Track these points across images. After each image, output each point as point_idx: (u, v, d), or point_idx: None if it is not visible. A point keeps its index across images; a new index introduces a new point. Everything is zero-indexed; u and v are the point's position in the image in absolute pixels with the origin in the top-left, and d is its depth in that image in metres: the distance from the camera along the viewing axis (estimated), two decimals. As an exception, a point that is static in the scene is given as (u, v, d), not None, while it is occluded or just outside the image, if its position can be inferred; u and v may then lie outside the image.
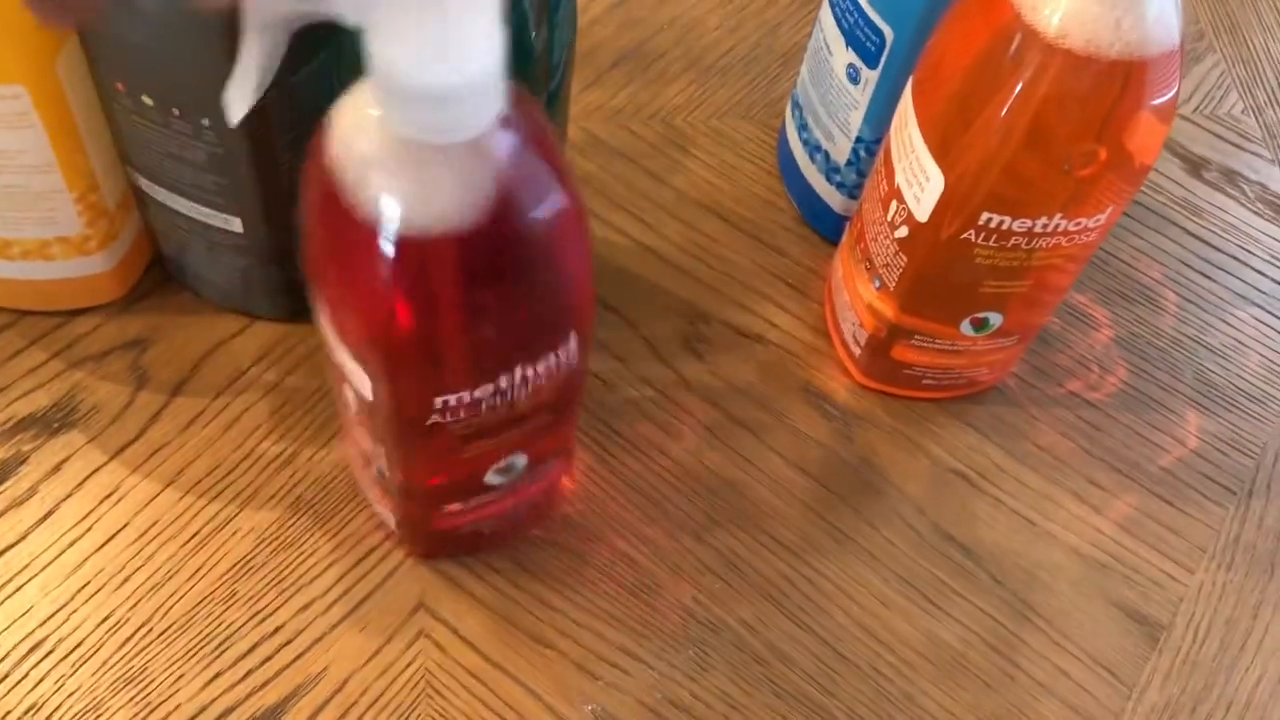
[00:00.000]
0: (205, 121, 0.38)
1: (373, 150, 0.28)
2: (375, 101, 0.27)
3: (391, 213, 0.28)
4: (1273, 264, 0.56)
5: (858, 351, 0.48)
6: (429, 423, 0.34)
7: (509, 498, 0.41)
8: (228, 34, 0.31)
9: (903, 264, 0.43)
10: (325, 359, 0.36)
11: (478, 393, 0.34)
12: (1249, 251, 0.56)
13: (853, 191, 0.50)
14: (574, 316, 0.35)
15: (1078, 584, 0.45)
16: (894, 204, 0.42)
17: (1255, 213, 0.57)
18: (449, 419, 0.34)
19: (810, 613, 0.44)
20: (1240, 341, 0.53)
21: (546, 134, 0.31)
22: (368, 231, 0.28)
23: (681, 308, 0.51)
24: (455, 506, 0.40)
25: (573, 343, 0.35)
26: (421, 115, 0.27)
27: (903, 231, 0.42)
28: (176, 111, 0.38)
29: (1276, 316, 0.54)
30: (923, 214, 0.41)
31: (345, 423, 0.41)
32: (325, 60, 0.39)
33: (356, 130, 0.28)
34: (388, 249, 0.29)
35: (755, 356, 0.50)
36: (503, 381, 0.34)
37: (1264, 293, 0.55)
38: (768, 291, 0.51)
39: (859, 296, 0.47)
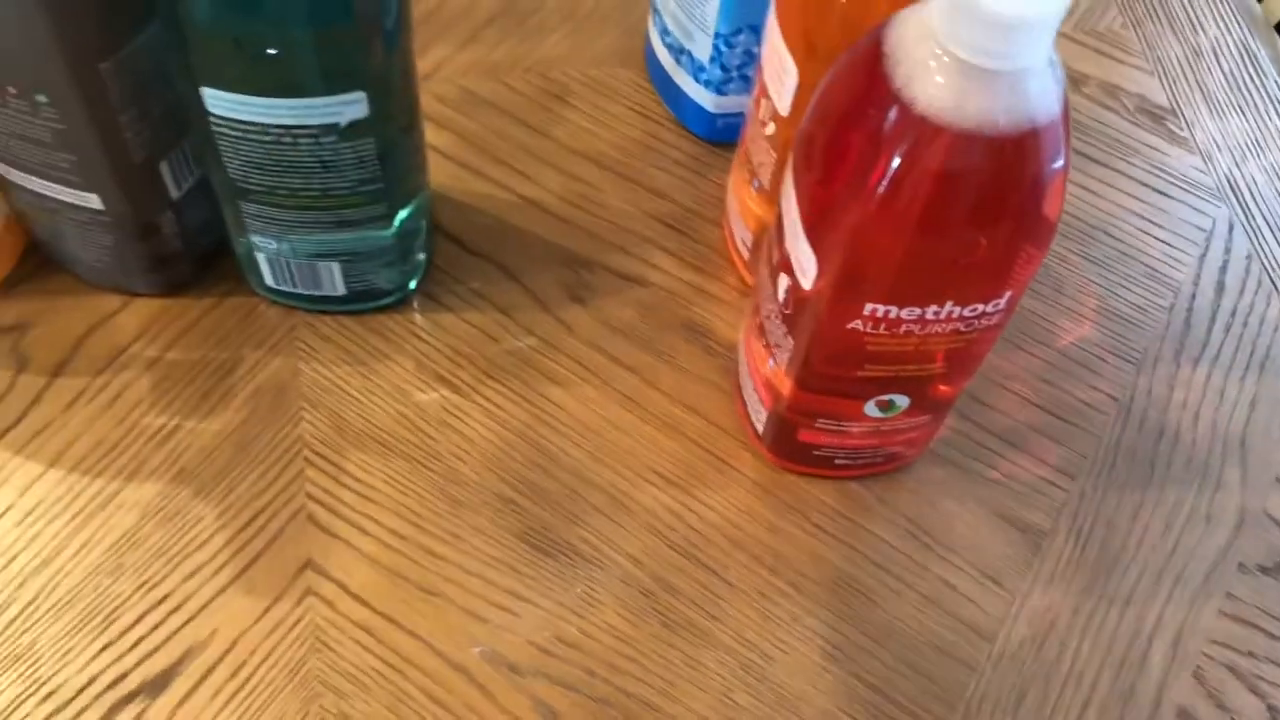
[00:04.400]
0: (41, 98, 0.38)
1: (928, 60, 0.31)
2: (942, 20, 0.31)
3: (932, 114, 0.32)
4: (1153, 174, 0.56)
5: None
6: (849, 325, 0.37)
7: (874, 437, 0.43)
8: (49, 9, 0.32)
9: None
10: (764, 255, 0.41)
11: (904, 313, 0.36)
12: (1130, 163, 0.56)
13: (720, 88, 0.51)
14: (1018, 275, 0.36)
15: (961, 499, 0.46)
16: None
17: (1135, 124, 0.58)
18: (867, 328, 0.37)
19: (696, 544, 0.44)
20: (1123, 252, 0.54)
21: (1067, 101, 0.33)
22: (903, 123, 0.32)
23: (564, 257, 0.51)
24: (827, 424, 0.43)
25: (1004, 301, 0.36)
26: (984, 40, 0.30)
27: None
28: (13, 90, 0.38)
29: (1156, 224, 0.54)
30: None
31: (749, 325, 0.44)
32: (155, 32, 0.39)
33: (917, 40, 0.32)
34: (915, 143, 0.32)
35: (638, 299, 0.50)
36: (930, 311, 0.36)
37: (1145, 202, 0.55)
38: (650, 235, 0.52)
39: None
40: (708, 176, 0.54)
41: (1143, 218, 0.55)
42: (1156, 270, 0.53)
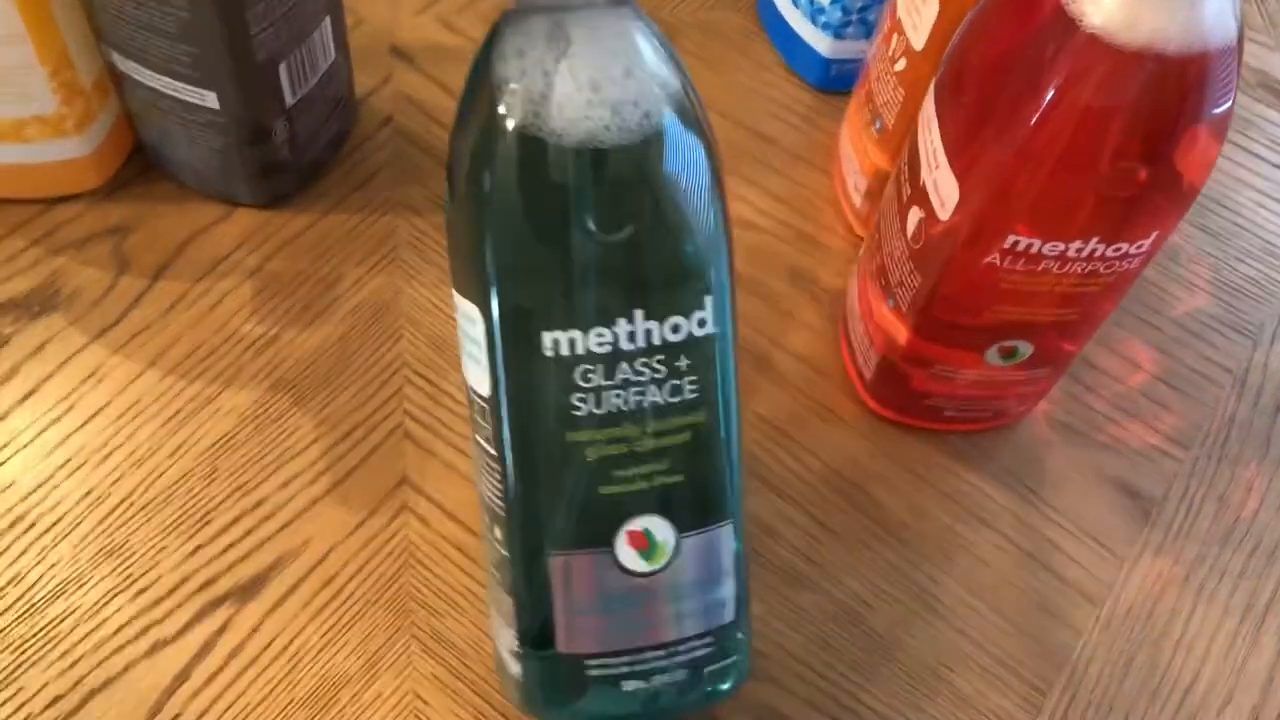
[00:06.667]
0: (173, -17, 0.38)
1: None
2: None
3: (1102, 32, 0.31)
4: (1272, 148, 0.55)
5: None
6: (986, 260, 0.35)
7: (989, 388, 0.42)
8: None
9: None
10: (890, 191, 0.40)
11: (1046, 247, 0.34)
12: (1249, 137, 0.55)
13: (839, 31, 0.50)
14: (1169, 214, 0.35)
15: (1070, 460, 0.45)
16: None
17: (1256, 99, 0.56)
18: (1004, 263, 0.35)
19: (797, 488, 0.43)
20: (1239, 225, 0.52)
21: (1243, 29, 0.32)
22: (1069, 42, 0.31)
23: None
24: (943, 371, 0.41)
25: (1149, 242, 0.35)
26: None
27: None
28: (144, -26, 0.38)
29: (1275, 199, 0.53)
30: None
31: (863, 269, 0.43)
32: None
33: None
34: (1080, 63, 0.31)
35: (745, 243, 0.49)
36: (1073, 249, 0.35)
37: (1263, 176, 0.54)
38: (758, 180, 0.51)
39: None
40: (817, 124, 0.53)
41: (1261, 193, 0.53)
42: (1274, 246, 0.52)
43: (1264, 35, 0.59)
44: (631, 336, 0.30)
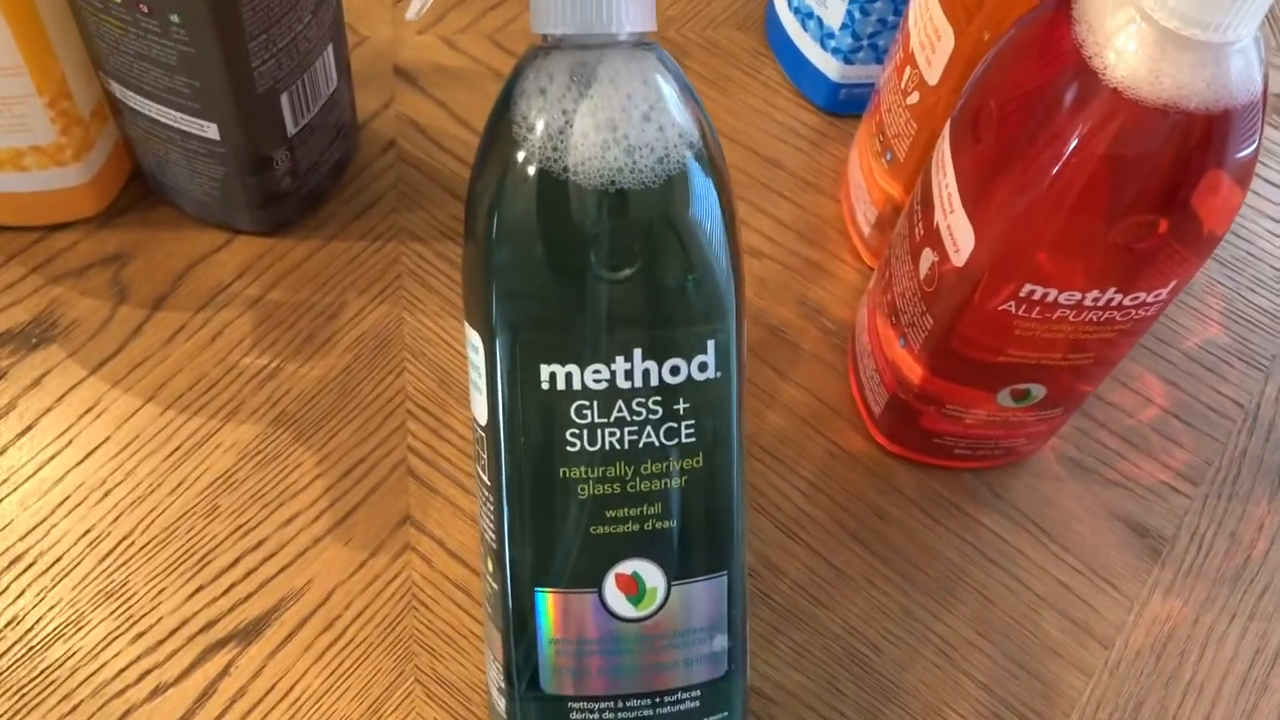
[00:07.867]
0: (174, 18, 0.37)
1: (1127, 25, 0.30)
2: None
3: (1125, 86, 0.30)
4: (1286, 175, 0.54)
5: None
6: (1000, 307, 0.35)
7: (1000, 428, 0.41)
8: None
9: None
10: (902, 229, 0.39)
11: (1063, 296, 0.34)
12: (1262, 163, 0.54)
13: (848, 56, 0.49)
14: (1188, 263, 0.34)
15: (1079, 498, 0.44)
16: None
17: (1270, 124, 0.56)
18: (1018, 310, 0.35)
19: (804, 525, 0.43)
20: (1251, 254, 0.51)
21: (1267, 81, 0.31)
22: (1090, 93, 0.30)
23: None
24: (953, 411, 0.40)
25: (1166, 291, 0.34)
26: (1195, 7, 0.29)
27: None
28: (144, 8, 0.37)
29: (1289, 227, 0.52)
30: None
31: (873, 303, 0.43)
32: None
33: (1114, 6, 0.30)
34: (1102, 115, 0.30)
35: (751, 272, 0.48)
36: (1090, 298, 0.34)
37: (1276, 204, 0.53)
38: (764, 206, 0.50)
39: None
40: (825, 149, 0.52)
41: (1275, 220, 0.53)
42: (1286, 275, 0.51)
43: (1278, 56, 0.58)
44: (629, 375, 0.30)
